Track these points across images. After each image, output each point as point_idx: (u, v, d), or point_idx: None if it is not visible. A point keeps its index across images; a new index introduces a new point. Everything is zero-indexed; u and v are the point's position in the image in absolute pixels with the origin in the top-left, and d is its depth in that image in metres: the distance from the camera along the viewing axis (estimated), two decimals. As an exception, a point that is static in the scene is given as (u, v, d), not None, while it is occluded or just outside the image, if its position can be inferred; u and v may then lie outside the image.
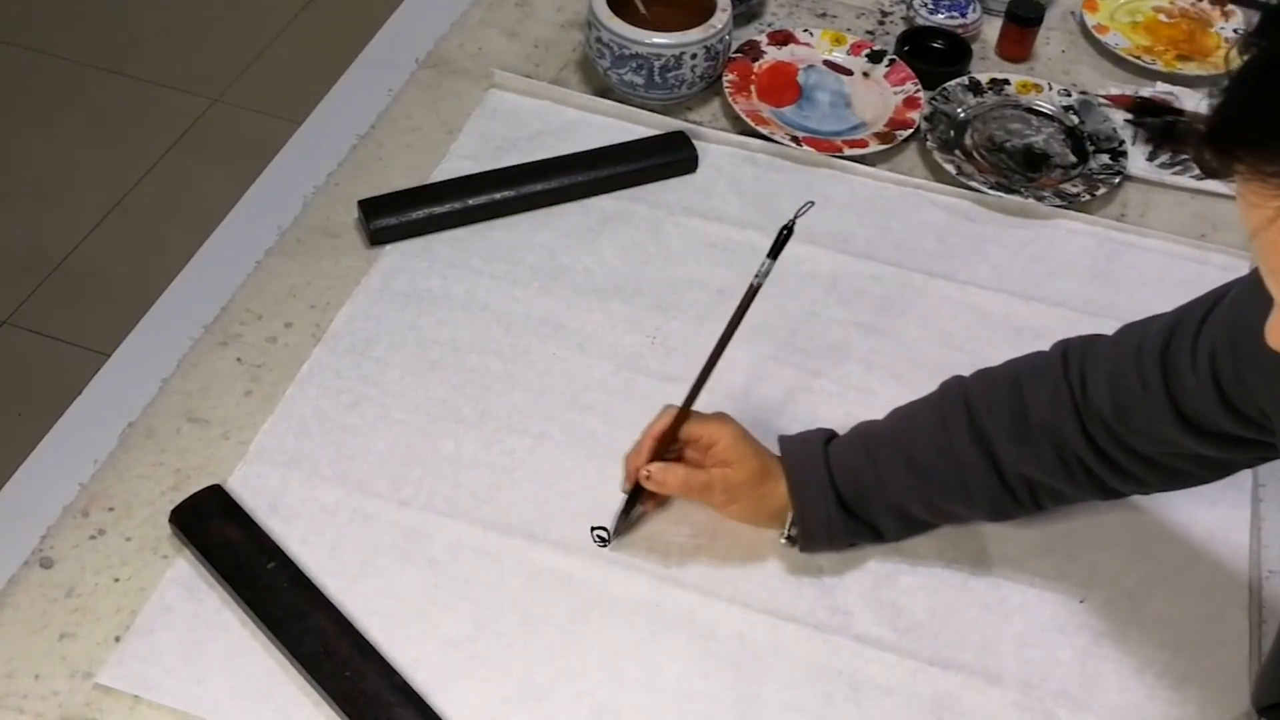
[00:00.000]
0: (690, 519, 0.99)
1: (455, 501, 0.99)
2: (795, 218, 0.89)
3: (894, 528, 0.96)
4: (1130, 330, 0.90)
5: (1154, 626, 0.95)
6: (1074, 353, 0.92)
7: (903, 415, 0.97)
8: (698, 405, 0.95)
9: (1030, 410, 0.91)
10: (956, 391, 0.95)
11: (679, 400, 0.95)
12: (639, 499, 0.96)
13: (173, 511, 0.95)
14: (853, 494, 0.94)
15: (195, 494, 0.96)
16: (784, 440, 0.97)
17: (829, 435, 0.97)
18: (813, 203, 0.92)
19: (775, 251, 0.90)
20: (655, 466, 0.93)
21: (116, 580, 0.93)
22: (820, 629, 0.93)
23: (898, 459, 0.93)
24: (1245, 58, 0.55)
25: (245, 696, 0.87)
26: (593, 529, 0.97)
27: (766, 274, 0.90)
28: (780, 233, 0.89)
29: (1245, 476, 0.99)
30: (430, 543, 0.96)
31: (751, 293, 0.91)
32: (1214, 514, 1.01)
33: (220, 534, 0.94)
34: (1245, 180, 0.55)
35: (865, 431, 0.97)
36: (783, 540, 0.96)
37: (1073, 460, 0.91)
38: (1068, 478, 0.92)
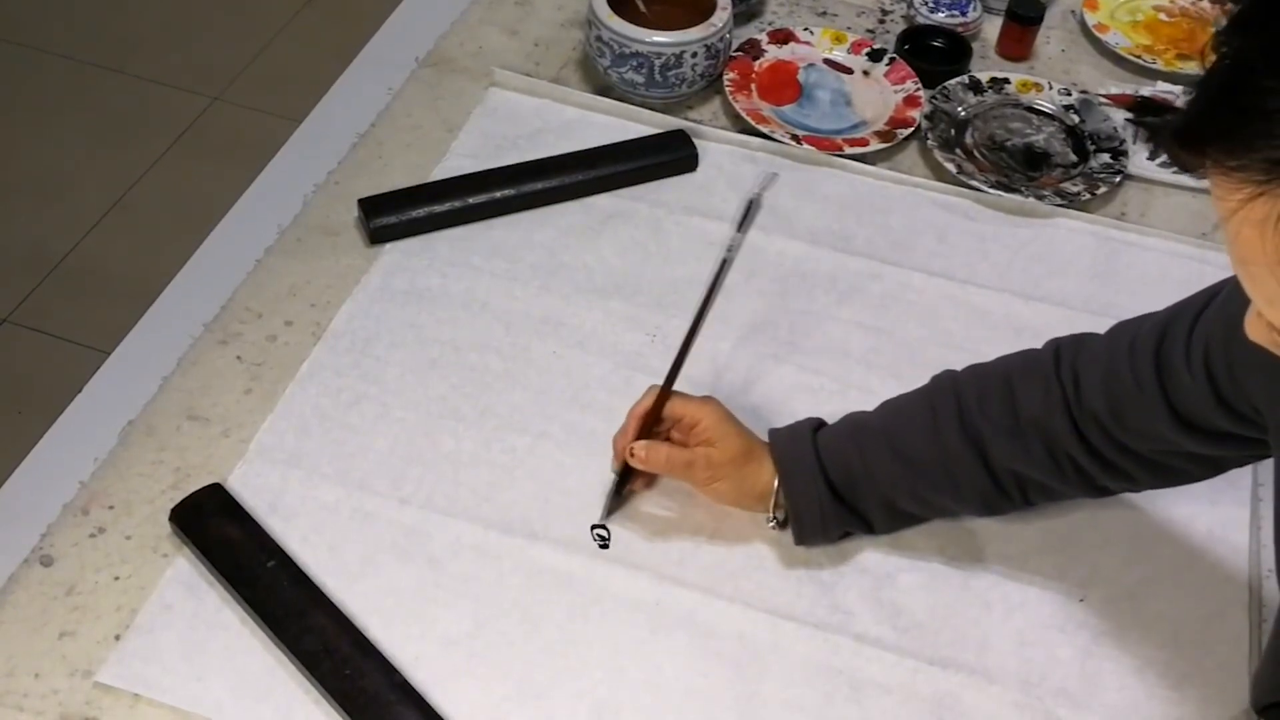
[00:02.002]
0: (690, 517, 0.99)
1: (455, 500, 0.99)
2: (761, 191, 0.89)
3: (883, 519, 0.96)
4: (1123, 328, 0.91)
5: (1153, 626, 0.95)
6: (1066, 351, 0.92)
7: (892, 407, 0.97)
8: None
9: (1021, 407, 0.91)
10: (947, 385, 0.95)
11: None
12: (628, 479, 0.97)
13: (173, 510, 0.95)
14: (842, 481, 0.94)
15: (195, 492, 0.96)
16: (773, 431, 0.97)
17: (817, 424, 0.97)
18: (776, 174, 0.92)
19: (743, 225, 0.90)
20: (640, 444, 0.94)
21: (116, 578, 0.93)
22: (820, 628, 0.93)
23: (886, 450, 0.93)
24: (1215, 56, 0.57)
25: (245, 695, 0.87)
26: (593, 527, 0.97)
27: (737, 248, 0.91)
28: (746, 206, 0.89)
29: (1244, 476, 0.99)
30: (430, 541, 0.96)
31: (723, 266, 0.91)
32: (1213, 514, 1.01)
33: (220, 532, 0.94)
34: (1212, 174, 0.57)
35: (854, 421, 0.97)
36: (770, 523, 0.96)
37: (1063, 457, 0.91)
38: (1057, 474, 0.92)
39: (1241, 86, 0.54)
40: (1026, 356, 0.95)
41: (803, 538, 0.96)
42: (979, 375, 0.95)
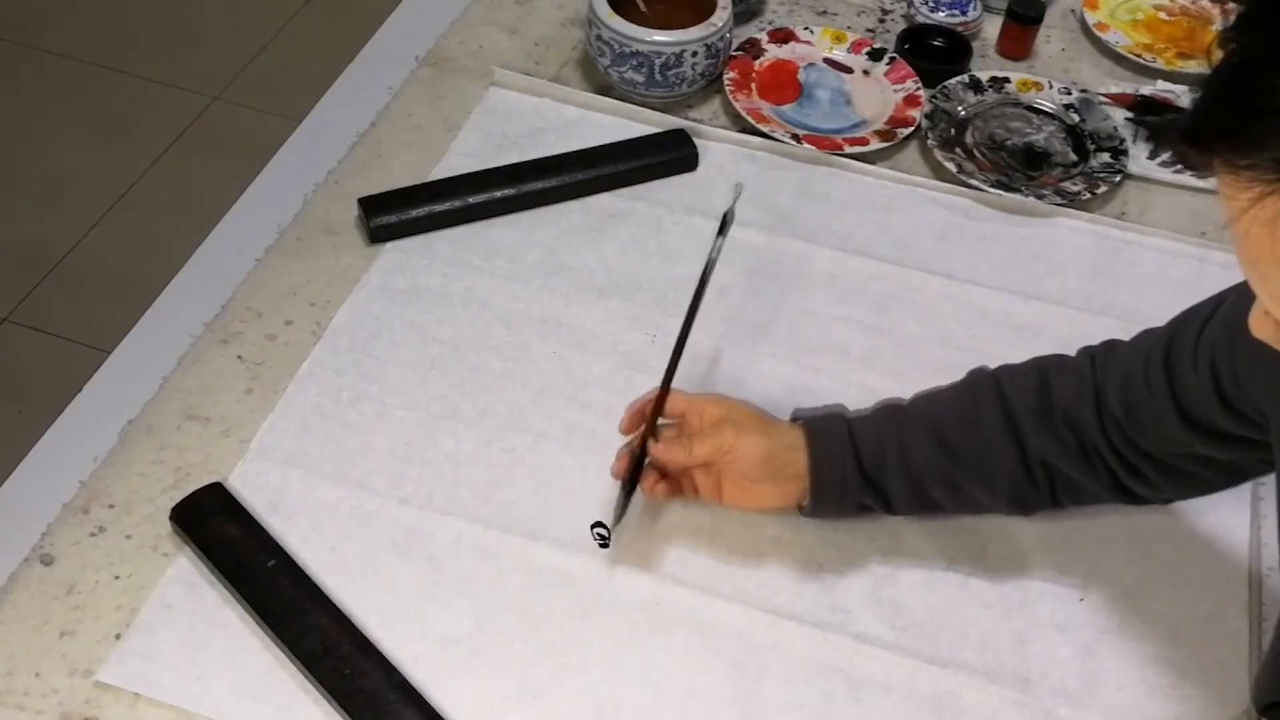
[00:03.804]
0: (691, 517, 0.99)
1: (455, 499, 0.99)
2: (734, 202, 0.92)
3: (905, 500, 0.95)
4: (1144, 335, 0.92)
5: (1153, 624, 0.95)
6: (1098, 356, 0.94)
7: (930, 395, 0.97)
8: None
9: (1056, 399, 0.92)
10: (986, 377, 0.96)
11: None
12: (636, 484, 0.95)
13: (173, 509, 0.95)
14: (874, 461, 0.93)
15: (195, 492, 0.96)
16: (799, 410, 0.97)
17: (846, 411, 0.97)
18: (742, 184, 0.96)
19: (723, 231, 0.92)
20: (661, 443, 0.93)
21: (117, 578, 0.93)
22: (820, 627, 0.93)
23: (925, 432, 0.93)
24: (1222, 55, 0.56)
25: (245, 694, 0.87)
26: (593, 526, 0.97)
27: (718, 253, 0.92)
28: (722, 220, 0.92)
29: (1244, 475, 0.99)
30: (430, 540, 0.96)
31: (706, 273, 0.92)
32: (1213, 512, 1.01)
33: (220, 532, 0.94)
34: (1220, 173, 0.57)
35: (891, 405, 0.97)
36: (801, 507, 0.95)
37: (1093, 452, 0.92)
38: (1087, 468, 0.93)
39: (1249, 85, 0.54)
40: (1061, 357, 0.96)
41: (818, 508, 0.95)
42: (1016, 370, 0.96)
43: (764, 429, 0.94)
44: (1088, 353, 0.95)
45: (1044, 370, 0.94)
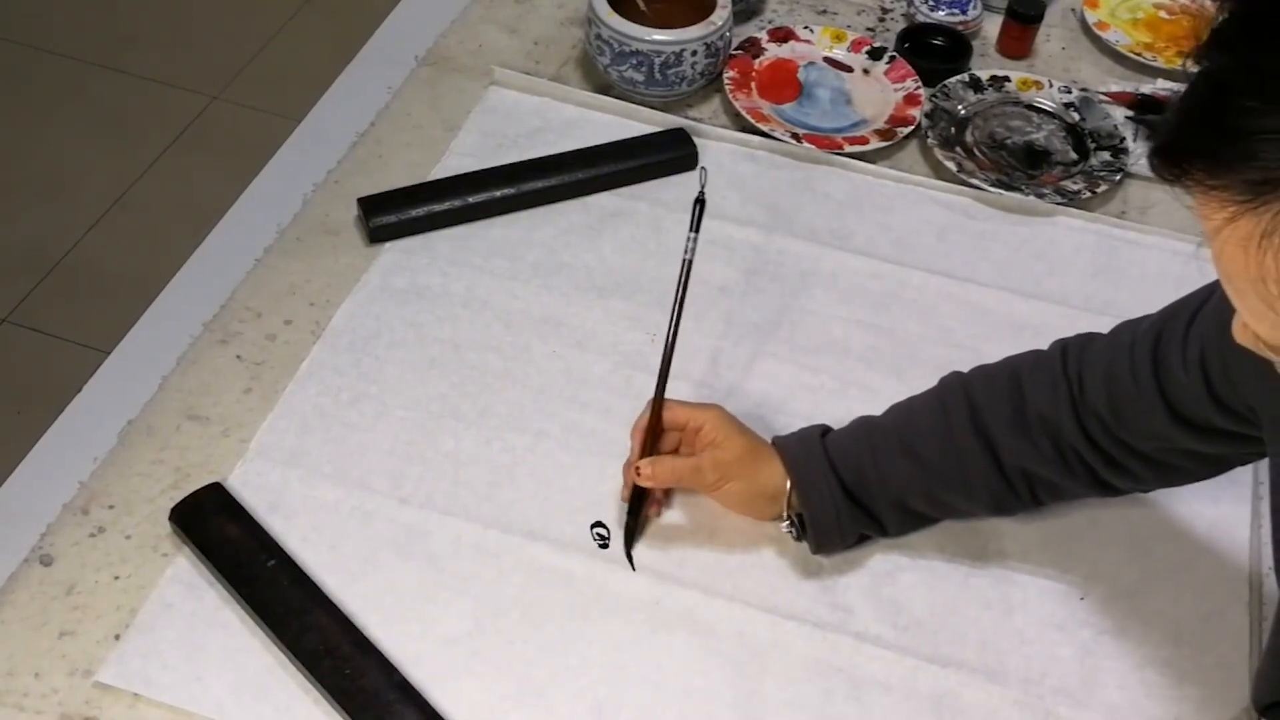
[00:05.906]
0: (690, 517, 0.99)
1: (455, 499, 0.99)
2: (702, 188, 0.93)
3: (895, 520, 0.96)
4: (1125, 327, 0.91)
5: (1154, 623, 0.95)
6: (1072, 350, 0.92)
7: (902, 408, 0.97)
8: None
9: (1029, 404, 0.91)
10: (956, 385, 0.95)
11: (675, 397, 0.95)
12: (642, 505, 0.96)
13: (173, 509, 0.95)
14: (854, 480, 0.93)
15: (195, 492, 0.96)
16: (778, 438, 0.96)
17: (824, 429, 0.97)
18: (704, 168, 0.97)
19: (695, 225, 0.94)
20: (643, 462, 0.93)
21: (116, 578, 0.93)
22: (820, 626, 0.93)
23: (898, 449, 0.93)
24: (1196, 71, 0.56)
25: (245, 694, 0.87)
26: (592, 526, 0.97)
27: (694, 249, 0.94)
28: (694, 206, 0.94)
29: (1244, 474, 0.99)
30: (430, 540, 0.96)
31: (687, 269, 0.95)
32: (1214, 511, 1.01)
33: (220, 532, 0.94)
34: (1193, 191, 0.56)
35: (864, 422, 0.97)
36: (787, 529, 0.95)
37: (1070, 454, 0.91)
38: (1066, 472, 0.92)
39: (1222, 106, 0.54)
40: (1034, 355, 0.95)
41: (820, 543, 0.95)
42: (988, 375, 0.95)
43: (749, 469, 0.94)
44: (1060, 346, 0.94)
45: (1016, 373, 0.93)
